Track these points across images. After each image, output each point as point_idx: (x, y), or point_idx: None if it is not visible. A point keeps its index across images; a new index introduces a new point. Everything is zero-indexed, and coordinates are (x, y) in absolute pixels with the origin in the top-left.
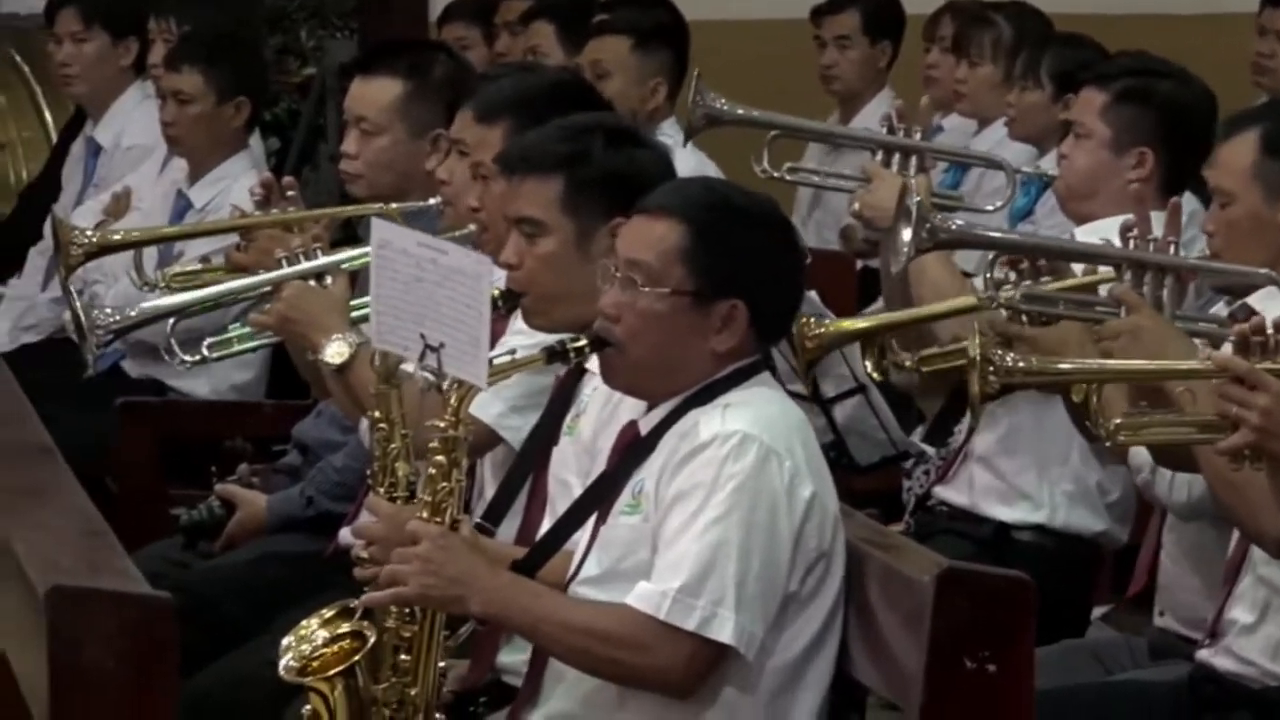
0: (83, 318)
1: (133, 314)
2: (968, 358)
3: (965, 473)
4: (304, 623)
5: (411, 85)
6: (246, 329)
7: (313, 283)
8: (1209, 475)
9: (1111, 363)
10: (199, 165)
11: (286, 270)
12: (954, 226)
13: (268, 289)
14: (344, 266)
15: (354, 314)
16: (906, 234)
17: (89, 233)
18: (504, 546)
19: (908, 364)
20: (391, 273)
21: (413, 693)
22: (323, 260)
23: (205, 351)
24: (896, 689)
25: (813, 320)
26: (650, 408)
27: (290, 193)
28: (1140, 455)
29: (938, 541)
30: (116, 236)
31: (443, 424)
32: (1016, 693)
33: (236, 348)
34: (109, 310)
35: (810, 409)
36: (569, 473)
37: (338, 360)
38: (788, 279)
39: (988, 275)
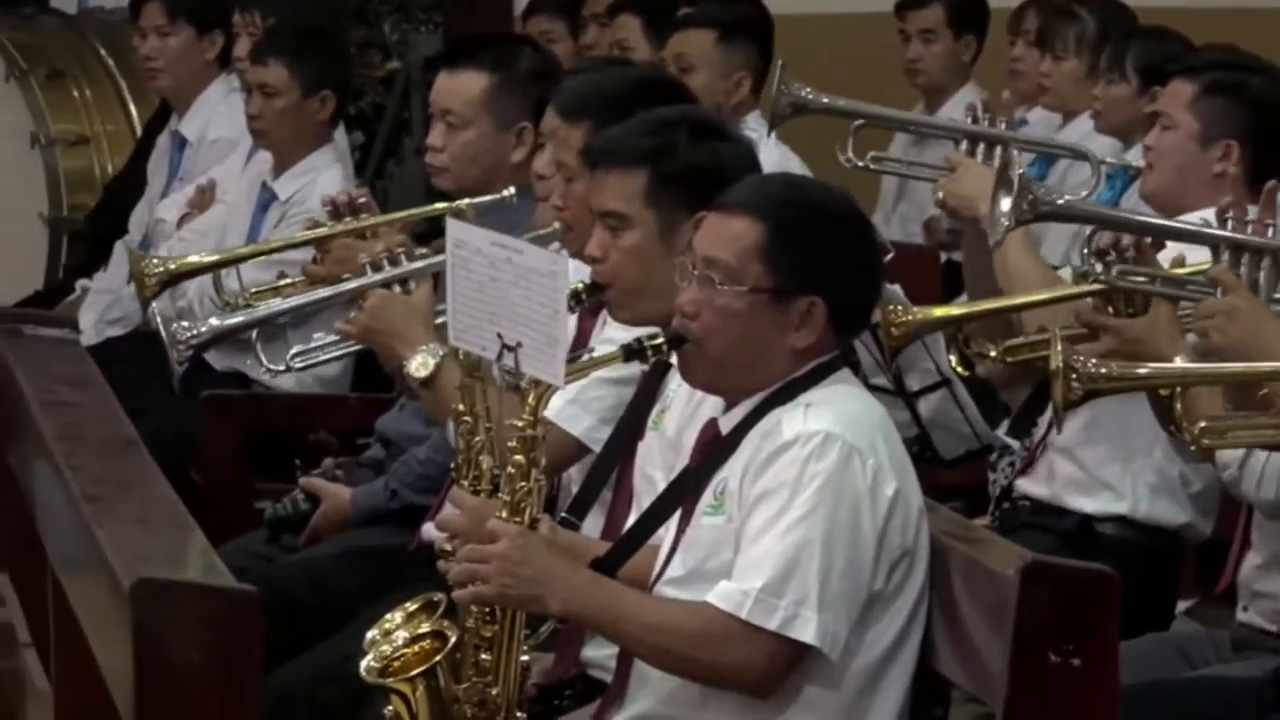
0: (164, 335)
1: (214, 327)
2: (1051, 366)
3: (1046, 464)
4: (387, 616)
5: (497, 78)
6: (331, 338)
7: (397, 289)
8: None
9: (1194, 366)
10: (284, 158)
11: (369, 278)
12: (1057, 200)
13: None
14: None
15: (438, 320)
16: (1006, 203)
17: (157, 263)
18: (587, 541)
19: (993, 355)
20: (466, 272)
21: (494, 692)
22: (407, 266)
23: (291, 363)
24: (980, 683)
25: (899, 307)
26: (729, 405)
27: (362, 200)
28: (1226, 452)
29: (1021, 535)
30: (187, 262)
31: (521, 423)
32: (1101, 687)
33: (321, 357)
34: (186, 325)
35: (894, 402)
36: (654, 468)
37: (423, 373)
38: (866, 275)
39: (1086, 250)
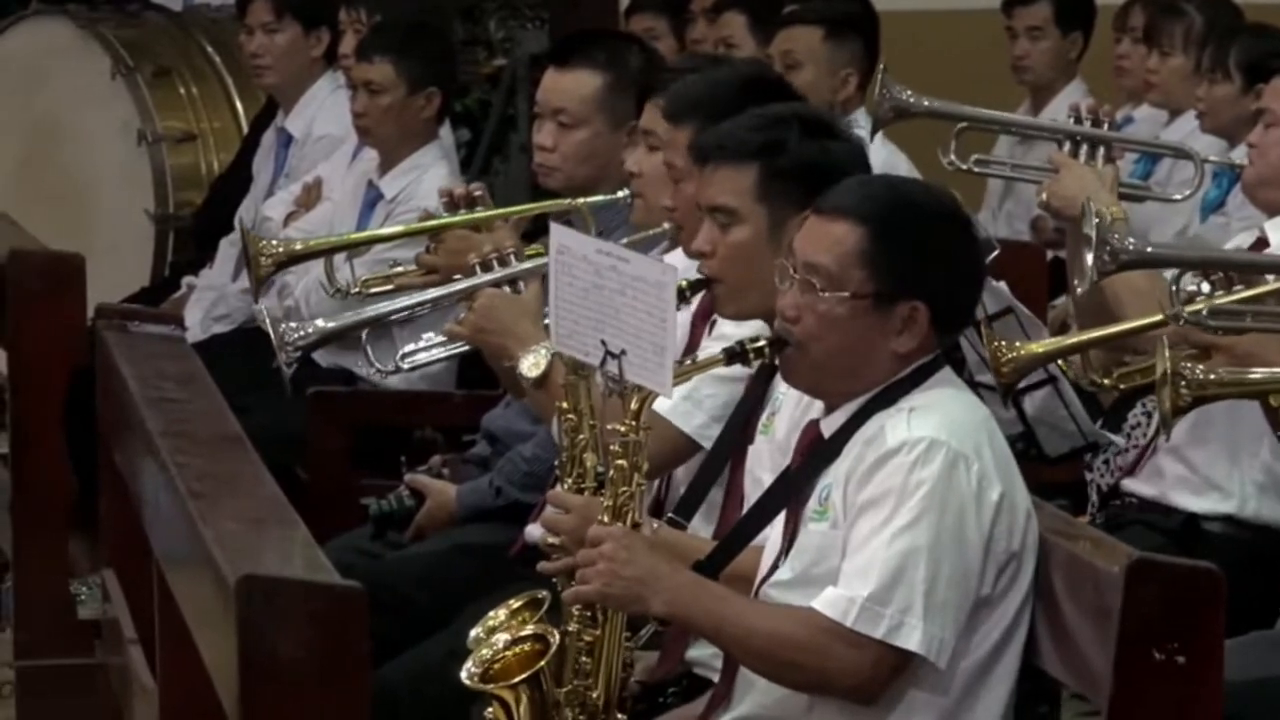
0: (273, 336)
1: (323, 329)
2: (1159, 375)
3: (1154, 464)
4: (491, 614)
5: (611, 77)
6: (440, 338)
7: (506, 289)
8: None
9: None
10: (390, 156)
11: (479, 279)
12: (1131, 246)
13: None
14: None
15: (548, 320)
16: (1089, 258)
17: (275, 244)
18: (689, 539)
19: (1106, 383)
20: (570, 278)
21: (594, 694)
22: (516, 267)
23: (400, 363)
24: (1084, 680)
25: (1004, 345)
26: (830, 408)
27: (479, 193)
28: None
29: (1126, 533)
30: (307, 244)
31: (623, 428)
32: (1206, 684)
33: (430, 357)
34: (295, 326)
35: (999, 400)
36: (763, 471)
37: (535, 373)
38: (968, 276)
39: (1174, 288)
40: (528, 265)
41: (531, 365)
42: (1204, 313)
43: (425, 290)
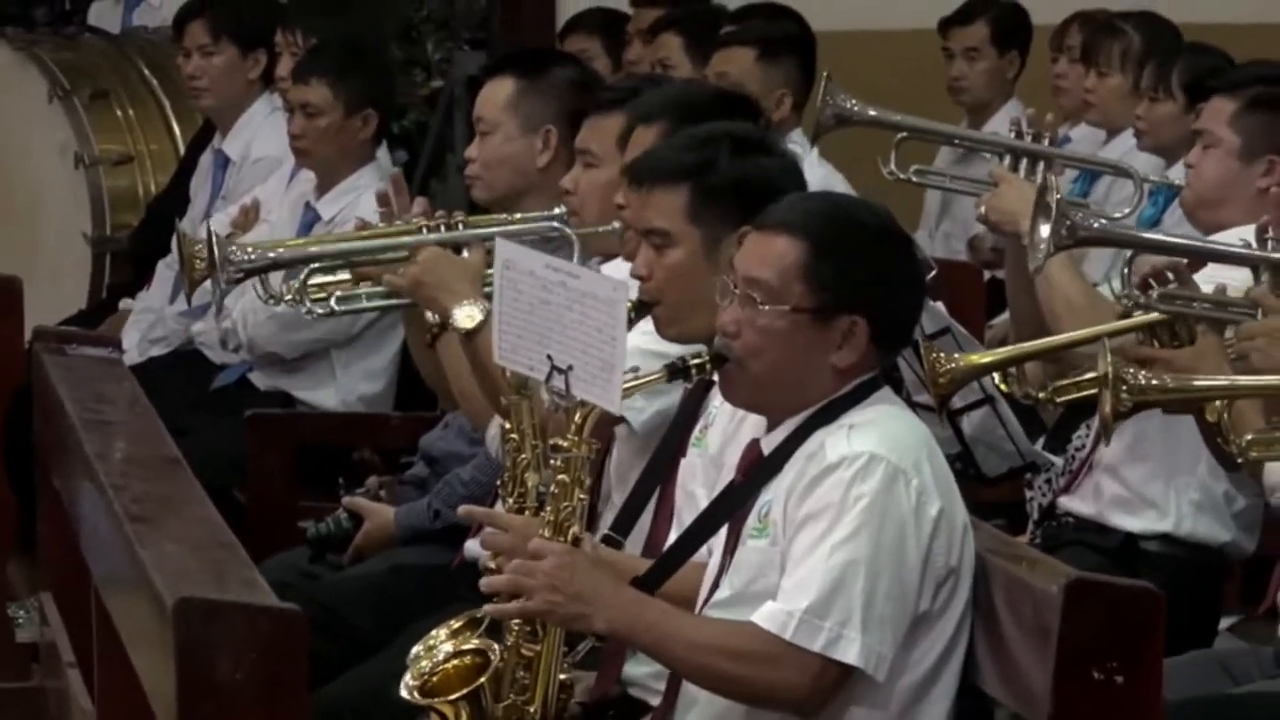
0: (217, 252)
1: (269, 256)
2: (1100, 376)
3: (1091, 482)
4: (432, 633)
5: (525, 82)
6: (377, 288)
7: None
8: None
9: (1245, 379)
10: (327, 177)
11: (425, 236)
12: (1095, 225)
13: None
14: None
15: (487, 288)
16: (1045, 229)
17: (203, 246)
18: (628, 559)
19: (1041, 396)
20: (515, 293)
21: (532, 709)
22: (464, 232)
23: (333, 305)
24: (1023, 700)
25: (942, 356)
26: (771, 425)
27: (418, 210)
28: (1275, 475)
29: (1064, 553)
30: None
31: (565, 443)
32: (1145, 704)
33: (365, 304)
34: (247, 247)
35: (937, 419)
36: (696, 484)
37: (469, 324)
38: (908, 293)
39: (1126, 271)
40: (475, 232)
41: (465, 317)
42: (1155, 296)
43: (370, 239)
